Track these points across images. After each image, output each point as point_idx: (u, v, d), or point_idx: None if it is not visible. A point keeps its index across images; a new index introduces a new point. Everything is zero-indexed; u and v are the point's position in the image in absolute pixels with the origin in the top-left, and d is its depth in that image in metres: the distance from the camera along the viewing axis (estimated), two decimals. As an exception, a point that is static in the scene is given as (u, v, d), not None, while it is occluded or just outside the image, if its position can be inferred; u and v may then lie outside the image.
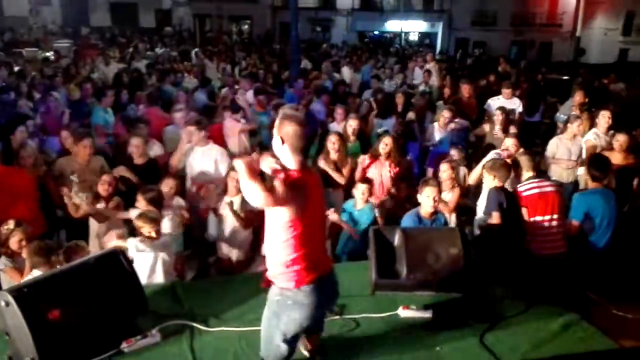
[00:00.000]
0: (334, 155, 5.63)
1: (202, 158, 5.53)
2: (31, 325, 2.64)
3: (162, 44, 17.98)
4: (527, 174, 4.73)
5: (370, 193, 5.01)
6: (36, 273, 3.69)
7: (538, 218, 4.44)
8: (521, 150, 5.38)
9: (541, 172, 5.51)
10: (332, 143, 5.64)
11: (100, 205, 4.80)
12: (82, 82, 8.80)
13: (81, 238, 4.44)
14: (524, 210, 4.48)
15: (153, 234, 3.99)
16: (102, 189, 4.86)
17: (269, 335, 2.65)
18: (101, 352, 2.85)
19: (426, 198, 4.25)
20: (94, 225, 4.88)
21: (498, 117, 6.66)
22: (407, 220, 4.31)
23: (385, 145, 5.49)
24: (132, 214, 4.42)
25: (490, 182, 4.55)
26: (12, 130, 5.82)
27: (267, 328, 2.66)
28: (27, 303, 2.68)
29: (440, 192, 4.36)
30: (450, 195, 5.04)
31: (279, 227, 2.48)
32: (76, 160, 5.31)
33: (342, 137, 5.84)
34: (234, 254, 4.96)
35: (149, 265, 3.95)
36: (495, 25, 30.28)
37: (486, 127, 6.92)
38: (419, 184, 4.43)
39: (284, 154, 2.49)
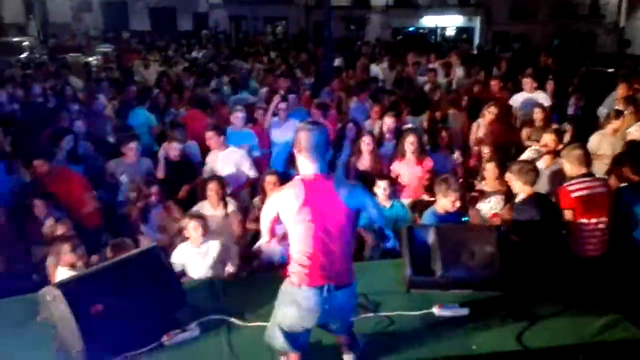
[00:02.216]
0: (367, 157, 5.62)
1: (222, 162, 5.62)
2: (77, 318, 2.77)
3: (200, 46, 18.31)
4: (579, 170, 4.36)
5: (394, 190, 4.97)
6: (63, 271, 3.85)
7: (584, 220, 4.21)
8: (575, 144, 5.11)
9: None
10: (365, 144, 5.62)
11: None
12: (125, 85, 9.04)
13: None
14: (569, 212, 4.21)
15: (199, 231, 4.10)
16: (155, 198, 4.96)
17: (272, 319, 2.78)
18: (142, 345, 2.96)
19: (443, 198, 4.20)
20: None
21: (538, 114, 6.47)
22: (426, 218, 4.27)
23: (410, 144, 5.44)
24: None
25: (519, 187, 4.27)
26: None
27: (273, 312, 2.78)
28: (73, 297, 2.80)
29: (464, 194, 4.29)
30: (495, 199, 4.95)
31: (287, 225, 2.67)
32: (125, 161, 5.57)
33: (374, 136, 5.83)
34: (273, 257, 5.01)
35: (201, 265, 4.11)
36: (535, 17, 29.46)
37: (524, 132, 6.71)
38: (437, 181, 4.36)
39: (299, 162, 2.66)
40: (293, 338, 2.69)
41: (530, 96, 7.60)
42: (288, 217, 2.66)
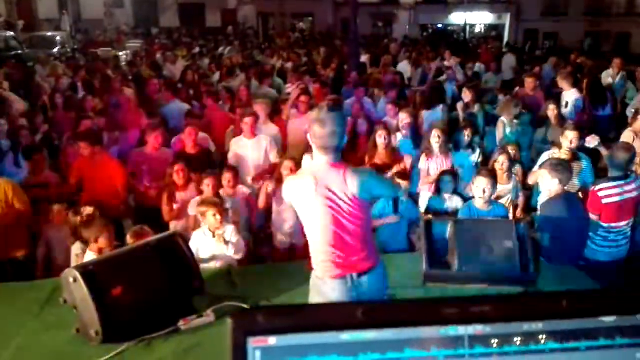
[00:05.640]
0: (382, 150, 5.58)
1: (253, 149, 5.69)
2: (95, 301, 2.84)
3: (227, 42, 18.51)
4: (612, 172, 4.23)
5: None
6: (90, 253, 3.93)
7: (612, 224, 4.14)
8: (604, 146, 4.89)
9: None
10: (379, 137, 5.59)
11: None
12: (148, 78, 9.20)
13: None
14: (596, 217, 4.13)
15: (218, 217, 4.11)
16: (178, 177, 4.96)
17: None
18: (159, 328, 3.01)
19: (476, 189, 4.16)
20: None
21: (553, 111, 6.32)
22: (462, 212, 4.24)
23: (437, 138, 5.38)
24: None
25: (548, 183, 4.03)
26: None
27: None
28: (93, 280, 2.87)
29: (496, 183, 4.25)
30: (506, 188, 4.90)
31: (301, 216, 2.70)
32: (147, 151, 5.63)
33: (389, 131, 5.78)
34: (291, 242, 5.02)
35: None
36: (567, 15, 28.77)
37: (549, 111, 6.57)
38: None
39: (314, 151, 2.68)
40: None
41: (565, 95, 7.37)
42: (302, 208, 2.67)
